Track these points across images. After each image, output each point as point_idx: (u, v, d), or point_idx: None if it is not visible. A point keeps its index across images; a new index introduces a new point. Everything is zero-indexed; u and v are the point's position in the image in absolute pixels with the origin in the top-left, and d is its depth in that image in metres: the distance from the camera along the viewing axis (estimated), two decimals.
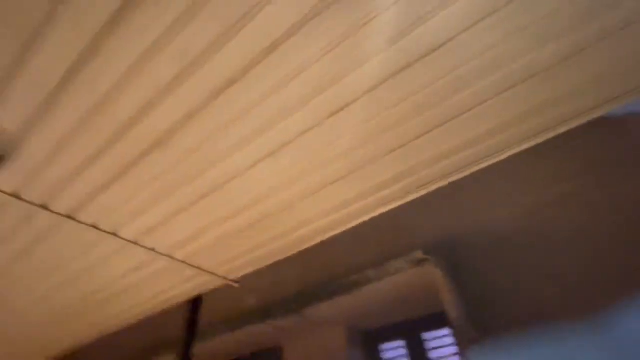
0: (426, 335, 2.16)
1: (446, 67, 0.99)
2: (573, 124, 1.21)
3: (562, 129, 1.23)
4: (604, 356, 1.34)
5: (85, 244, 1.63)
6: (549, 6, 0.87)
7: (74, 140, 1.11)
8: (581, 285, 1.52)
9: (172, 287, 2.06)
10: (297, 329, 2.37)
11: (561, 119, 1.19)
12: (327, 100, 1.07)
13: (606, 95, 1.12)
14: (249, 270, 1.98)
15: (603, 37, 0.94)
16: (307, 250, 1.97)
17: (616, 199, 1.60)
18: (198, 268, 1.88)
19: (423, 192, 1.50)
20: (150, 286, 2.03)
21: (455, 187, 1.89)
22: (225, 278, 2.03)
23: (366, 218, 1.61)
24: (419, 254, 1.84)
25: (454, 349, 1.99)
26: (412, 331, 2.23)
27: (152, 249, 1.69)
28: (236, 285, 2.14)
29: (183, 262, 1.81)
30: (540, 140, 1.27)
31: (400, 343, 2.24)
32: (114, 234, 1.57)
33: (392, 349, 2.26)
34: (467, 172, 1.41)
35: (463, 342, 1.62)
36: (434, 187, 1.47)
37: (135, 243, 1.63)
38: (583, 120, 1.20)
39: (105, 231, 1.54)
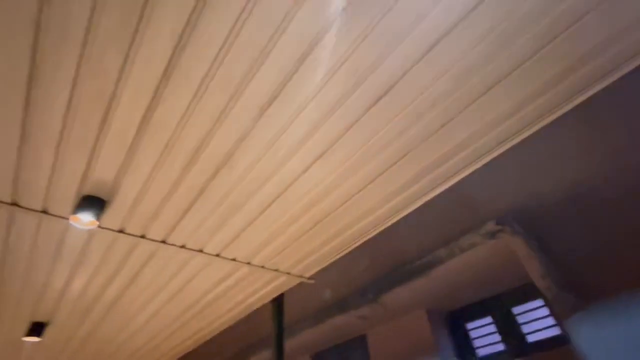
0: (516, 310, 2.04)
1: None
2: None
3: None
4: None
5: (178, 262, 1.87)
6: None
7: (156, 175, 1.30)
8: None
9: (255, 291, 2.26)
10: (377, 316, 2.42)
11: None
12: (365, 93, 1.09)
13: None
14: (321, 266, 2.08)
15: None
16: (374, 240, 2.00)
17: None
18: (275, 270, 2.04)
19: (482, 163, 1.43)
20: (237, 292, 2.25)
21: (520, 150, 1.74)
22: (301, 276, 2.17)
23: (427, 198, 1.59)
24: (491, 225, 1.75)
25: (550, 321, 1.85)
26: (499, 307, 2.12)
27: (234, 259, 1.88)
28: (311, 282, 2.27)
29: (262, 267, 1.98)
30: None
31: (488, 319, 2.15)
32: (200, 251, 1.78)
33: (481, 326, 2.18)
34: (530, 131, 1.32)
35: (563, 312, 1.50)
36: (494, 154, 1.40)
37: (218, 255, 1.83)
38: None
39: (192, 249, 1.76)
